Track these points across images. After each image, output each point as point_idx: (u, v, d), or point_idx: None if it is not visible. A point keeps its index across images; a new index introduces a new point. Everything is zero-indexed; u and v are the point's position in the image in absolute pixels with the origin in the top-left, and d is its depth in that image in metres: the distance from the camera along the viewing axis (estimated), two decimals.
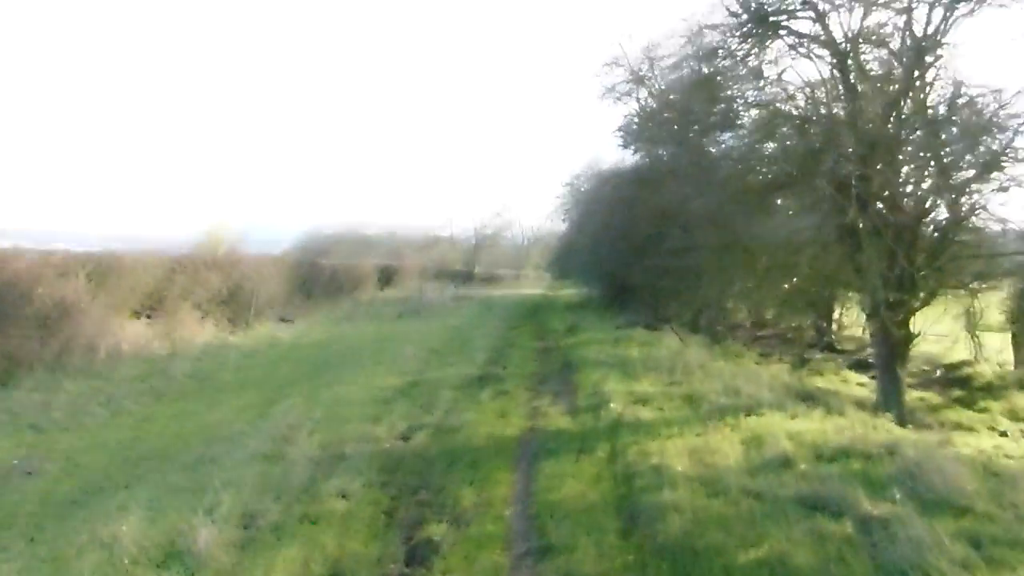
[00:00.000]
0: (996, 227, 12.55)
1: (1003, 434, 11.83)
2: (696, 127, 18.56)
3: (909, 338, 13.08)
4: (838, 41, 12.72)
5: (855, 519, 5.35)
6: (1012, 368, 17.48)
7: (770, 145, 14.64)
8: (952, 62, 12.46)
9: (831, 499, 5.75)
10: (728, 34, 13.63)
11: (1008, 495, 5.86)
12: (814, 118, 13.41)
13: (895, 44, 12.98)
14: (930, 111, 12.62)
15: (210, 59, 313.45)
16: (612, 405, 10.44)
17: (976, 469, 6.60)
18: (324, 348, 20.77)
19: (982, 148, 11.47)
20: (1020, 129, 11.23)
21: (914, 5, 12.50)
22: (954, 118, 11.98)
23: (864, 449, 7.19)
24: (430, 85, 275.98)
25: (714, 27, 14.48)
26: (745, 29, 13.16)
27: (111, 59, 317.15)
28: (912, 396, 14.49)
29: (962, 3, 11.98)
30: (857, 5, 12.71)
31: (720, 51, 14.12)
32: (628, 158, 29.81)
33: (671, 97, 22.33)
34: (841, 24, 12.91)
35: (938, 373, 18.27)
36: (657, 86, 24.55)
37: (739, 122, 15.26)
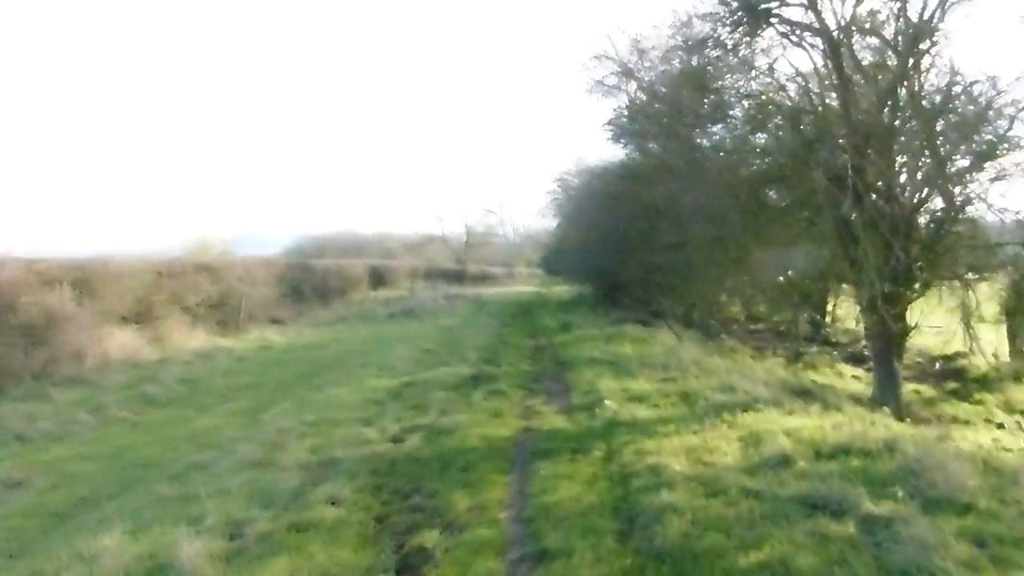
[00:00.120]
0: (993, 218, 12.47)
1: (1000, 427, 11.77)
2: (686, 120, 18.45)
3: (906, 331, 13.01)
4: (831, 29, 12.60)
5: (857, 519, 5.21)
6: (1007, 360, 17.43)
7: (762, 137, 14.54)
8: (947, 50, 12.39)
9: (832, 498, 5.61)
10: (719, 23, 13.49)
11: (1010, 491, 5.73)
12: (807, 108, 13.29)
13: (889, 32, 12.88)
14: (925, 100, 12.52)
15: (197, 68, 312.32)
16: (607, 403, 10.32)
17: (976, 465, 6.47)
18: (316, 351, 20.60)
19: (977, 137, 11.38)
20: (1017, 116, 11.13)
21: None
22: (949, 106, 11.88)
23: (863, 446, 7.05)
24: (417, 84, 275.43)
25: (704, 16, 14.35)
26: (736, 18, 13.03)
27: (101, 69, 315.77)
28: (907, 389, 14.44)
29: None
30: None
31: (710, 41, 13.99)
32: (618, 153, 29.69)
33: (660, 90, 22.22)
34: (834, 12, 12.84)
35: (937, 367, 18.23)
36: (647, 79, 24.38)
37: (731, 113, 15.15)
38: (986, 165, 11.59)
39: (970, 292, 13.74)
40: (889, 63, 12.89)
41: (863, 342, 21.53)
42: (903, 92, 12.57)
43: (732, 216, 14.27)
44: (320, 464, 8.16)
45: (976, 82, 11.64)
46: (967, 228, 12.65)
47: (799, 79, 13.60)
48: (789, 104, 13.70)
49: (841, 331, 25.41)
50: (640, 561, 5.24)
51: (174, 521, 6.22)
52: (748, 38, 13.33)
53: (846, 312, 26.09)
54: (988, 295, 14.32)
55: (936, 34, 12.08)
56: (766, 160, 14.38)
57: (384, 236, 60.47)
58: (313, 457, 8.47)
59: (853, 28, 12.70)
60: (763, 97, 13.92)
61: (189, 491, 7.47)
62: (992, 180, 11.70)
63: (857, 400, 12.19)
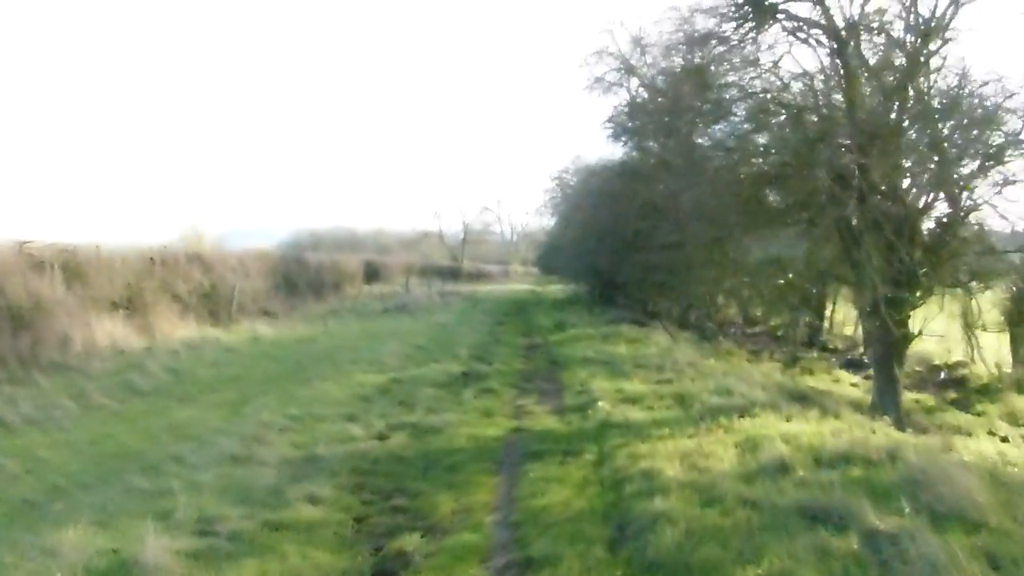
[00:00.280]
0: (999, 224, 12.23)
1: (1004, 439, 11.51)
2: (687, 117, 18.23)
3: (908, 337, 12.75)
4: (838, 26, 12.33)
5: (861, 533, 4.91)
6: (1009, 369, 17.17)
7: (763, 136, 14.29)
8: (956, 50, 12.15)
9: (833, 509, 5.31)
10: (723, 19, 13.23)
11: (1022, 507, 5.45)
12: (811, 107, 13.03)
13: (897, 31, 12.62)
14: (932, 101, 12.26)
15: (197, 63, 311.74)
16: (600, 404, 10.13)
17: (984, 478, 6.17)
18: (307, 344, 20.33)
19: (984, 139, 11.14)
20: None
21: None
22: (958, 106, 11.62)
23: (864, 454, 6.76)
24: (415, 82, 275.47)
25: (709, 11, 14.11)
26: (741, 13, 12.76)
27: (96, 62, 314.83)
28: (907, 398, 14.18)
29: None
30: None
31: (714, 37, 13.72)
32: (617, 151, 29.46)
33: (661, 86, 22.00)
34: (842, 9, 12.59)
35: (942, 376, 18.00)
36: (648, 75, 24.15)
37: (733, 109, 14.87)
38: (994, 169, 11.34)
39: (972, 300, 13.49)
40: (896, 62, 12.63)
41: (861, 348, 21.35)
42: (910, 92, 12.31)
43: (731, 215, 14.04)
44: (301, 460, 7.97)
45: (987, 83, 11.41)
46: (972, 234, 12.39)
47: (804, 77, 13.33)
48: (793, 102, 13.42)
49: (838, 337, 25.23)
50: (631, 572, 4.98)
51: (144, 515, 5.95)
52: (753, 34, 13.06)
53: (844, 317, 25.94)
54: (991, 303, 14.09)
55: (947, 32, 11.82)
56: (768, 158, 14.11)
57: (380, 232, 60.39)
58: (294, 453, 8.27)
59: (861, 26, 12.43)
60: (767, 95, 13.63)
61: (163, 484, 7.20)
62: (1000, 185, 11.43)
63: (856, 407, 11.95)
